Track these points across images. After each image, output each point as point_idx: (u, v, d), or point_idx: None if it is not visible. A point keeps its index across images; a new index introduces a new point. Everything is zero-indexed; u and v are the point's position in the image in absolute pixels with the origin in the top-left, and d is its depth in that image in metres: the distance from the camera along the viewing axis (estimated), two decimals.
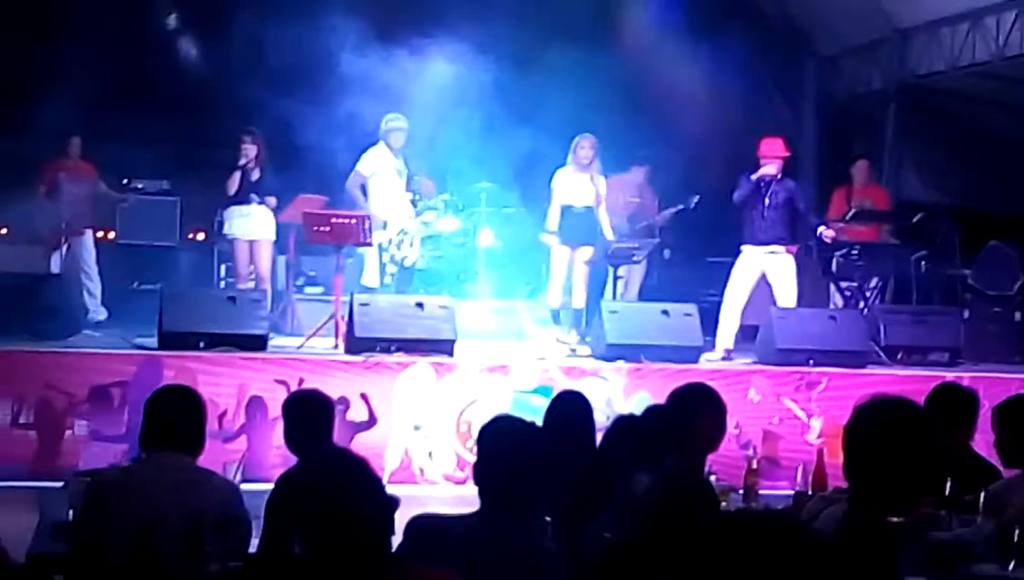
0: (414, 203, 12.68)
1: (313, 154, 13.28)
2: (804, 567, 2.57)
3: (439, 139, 12.62)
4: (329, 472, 3.53)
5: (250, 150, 12.31)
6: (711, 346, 11.72)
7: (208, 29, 14.33)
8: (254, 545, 5.23)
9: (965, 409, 6.33)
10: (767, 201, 11.91)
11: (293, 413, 6.18)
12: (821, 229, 12.30)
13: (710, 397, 5.62)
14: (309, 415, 6.09)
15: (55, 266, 12.86)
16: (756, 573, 2.56)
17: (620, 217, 13.18)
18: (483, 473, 4.20)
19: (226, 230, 12.61)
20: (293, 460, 6.22)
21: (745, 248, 11.99)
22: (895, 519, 3.90)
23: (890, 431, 3.94)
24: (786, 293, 11.90)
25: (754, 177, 11.88)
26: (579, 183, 12.00)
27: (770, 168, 11.90)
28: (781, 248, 11.92)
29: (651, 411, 6.26)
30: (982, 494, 5.38)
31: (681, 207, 13.59)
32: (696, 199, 13.36)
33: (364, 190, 12.32)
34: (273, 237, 12.69)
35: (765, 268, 11.92)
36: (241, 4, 13.60)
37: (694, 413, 5.49)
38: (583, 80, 13.17)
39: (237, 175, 12.28)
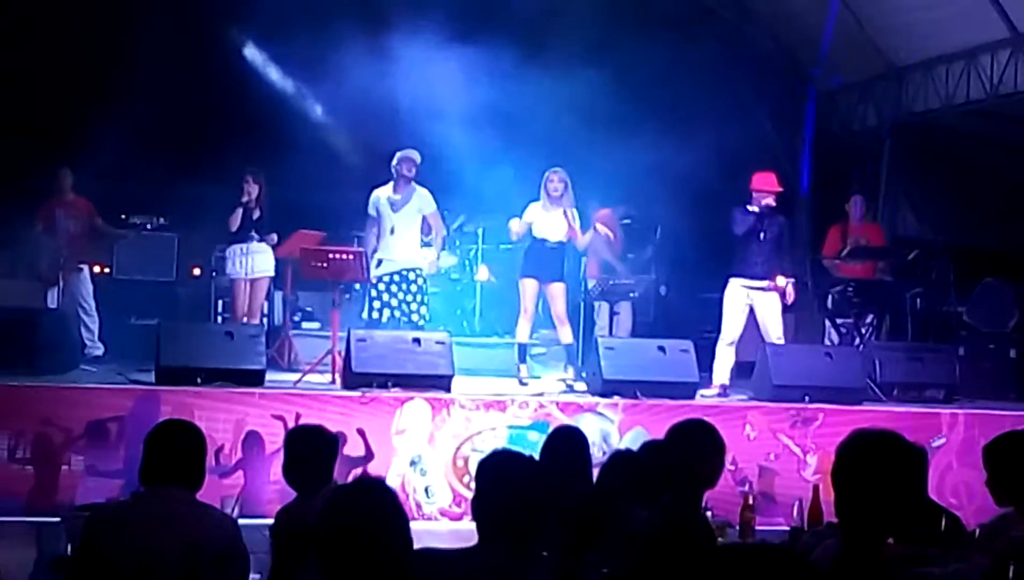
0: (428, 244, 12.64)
1: (311, 190, 13.35)
2: None
3: (436, 175, 12.62)
4: (367, 500, 3.56)
5: (252, 189, 12.44)
6: (708, 382, 11.75)
7: (206, 65, 14.38)
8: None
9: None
10: (761, 235, 11.90)
11: (296, 448, 6.15)
12: None
13: (710, 434, 5.64)
14: (312, 451, 6.07)
15: (52, 302, 12.87)
16: None
17: (617, 253, 13.26)
18: (482, 507, 4.21)
19: (228, 269, 12.72)
20: (290, 495, 6.22)
21: (733, 281, 11.95)
22: (888, 553, 3.92)
23: (876, 464, 3.96)
24: (773, 328, 11.88)
25: (754, 209, 11.87)
26: (551, 218, 11.98)
27: (770, 201, 11.90)
28: (769, 283, 11.90)
29: (649, 446, 6.28)
30: (976, 530, 5.41)
31: (655, 241, 13.73)
32: (658, 230, 13.48)
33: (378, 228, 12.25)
34: (272, 274, 12.79)
35: (752, 303, 11.91)
36: (238, 40, 13.65)
37: (693, 449, 5.50)
38: (581, 114, 13.22)
39: (239, 212, 12.41)
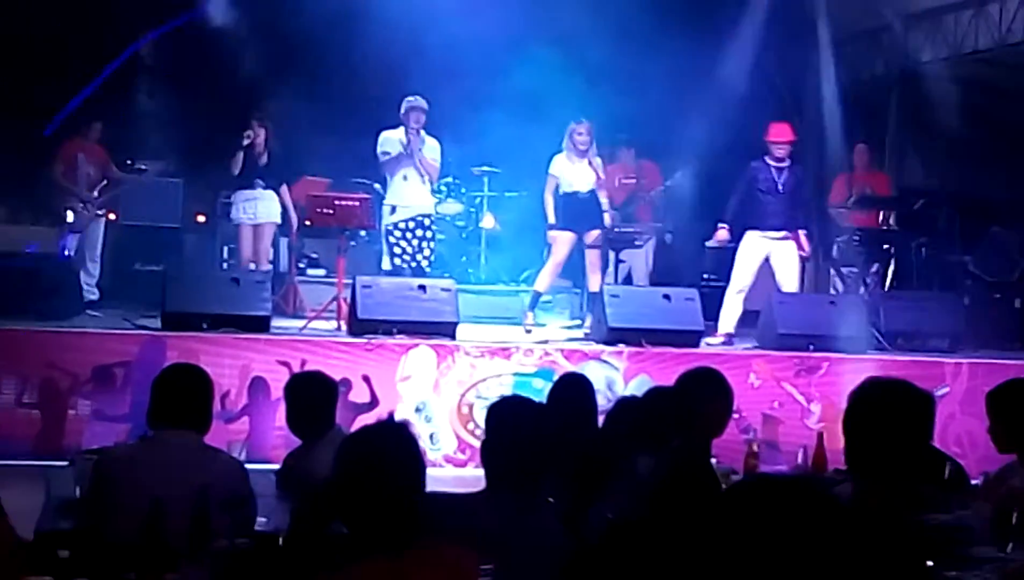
0: (437, 191, 12.62)
1: (319, 136, 13.29)
2: (827, 530, 2.57)
3: (443, 122, 12.57)
4: (392, 442, 3.55)
5: (258, 132, 12.25)
6: (713, 330, 11.76)
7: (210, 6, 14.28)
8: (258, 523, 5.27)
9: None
10: (778, 187, 11.95)
11: (296, 395, 6.17)
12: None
13: (719, 382, 5.65)
14: (313, 397, 6.09)
15: (71, 248, 12.81)
16: (780, 534, 2.56)
17: (616, 202, 13.22)
18: (491, 452, 4.23)
19: (233, 215, 12.59)
20: (296, 441, 6.24)
21: (750, 233, 11.99)
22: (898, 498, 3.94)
23: (889, 412, 3.97)
24: (789, 279, 11.94)
25: (772, 163, 11.94)
26: (579, 169, 11.98)
27: (781, 152, 11.95)
28: (787, 233, 11.94)
29: (655, 393, 6.28)
30: (981, 478, 5.43)
31: (668, 183, 13.62)
32: (680, 173, 13.41)
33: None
34: (278, 221, 12.64)
35: (770, 253, 11.95)
36: None
37: (702, 397, 5.52)
38: (584, 66, 13.16)
39: (240, 155, 12.21)
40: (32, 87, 13.79)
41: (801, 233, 12.04)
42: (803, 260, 12.22)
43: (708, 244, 12.31)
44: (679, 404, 5.51)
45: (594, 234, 12.07)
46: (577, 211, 11.99)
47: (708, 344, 11.51)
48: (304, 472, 5.64)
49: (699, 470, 5.18)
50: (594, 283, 12.16)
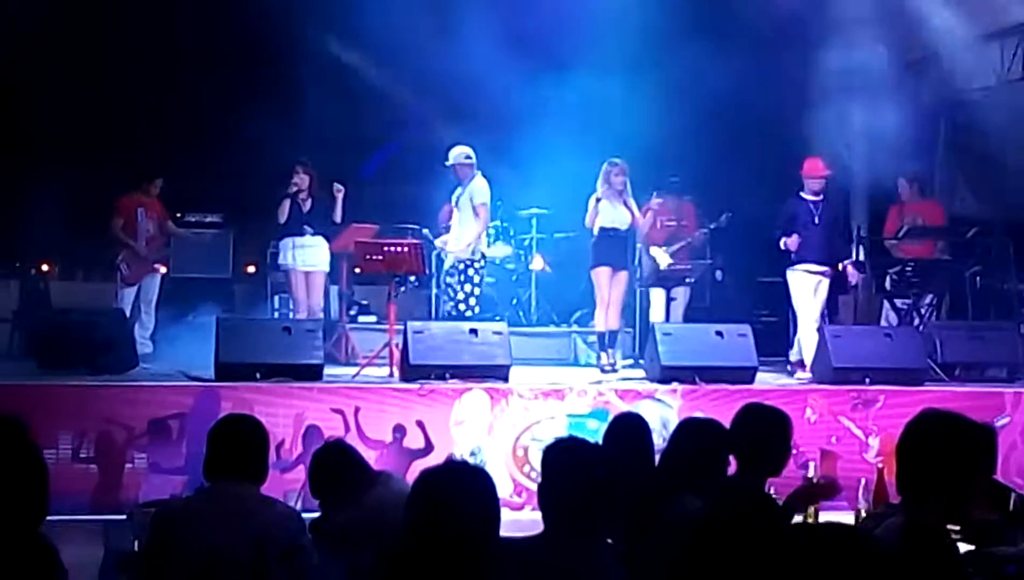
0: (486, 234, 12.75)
1: (363, 184, 13.35)
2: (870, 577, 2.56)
3: (491, 165, 12.62)
4: (467, 484, 3.57)
5: (303, 180, 12.35)
6: (800, 367, 12.04)
7: (257, 59, 14.41)
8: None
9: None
10: (816, 220, 12.02)
11: (325, 463, 6.17)
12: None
13: (782, 421, 5.59)
14: (336, 466, 6.09)
15: (127, 302, 12.89)
16: None
17: (657, 243, 13.15)
18: (547, 494, 4.19)
19: (281, 261, 12.64)
20: None
21: (793, 270, 12.18)
22: (955, 528, 3.88)
23: (941, 444, 3.91)
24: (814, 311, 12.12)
25: (807, 196, 12.02)
26: (616, 207, 12.02)
27: (816, 186, 12.03)
28: (826, 268, 12.08)
29: (707, 427, 6.13)
30: None
31: (713, 226, 13.55)
32: (725, 217, 13.34)
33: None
34: (327, 269, 12.69)
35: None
36: (297, 39, 13.60)
37: (764, 435, 5.45)
38: (632, 103, 13.19)
39: (287, 203, 12.32)
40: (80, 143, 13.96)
41: (847, 264, 12.10)
42: (853, 290, 12.22)
43: (786, 245, 12.30)
44: (739, 439, 5.45)
45: (623, 275, 12.08)
46: (613, 247, 12.01)
47: (799, 378, 11.71)
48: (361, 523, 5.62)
49: (761, 505, 5.11)
50: (613, 321, 12.10)
